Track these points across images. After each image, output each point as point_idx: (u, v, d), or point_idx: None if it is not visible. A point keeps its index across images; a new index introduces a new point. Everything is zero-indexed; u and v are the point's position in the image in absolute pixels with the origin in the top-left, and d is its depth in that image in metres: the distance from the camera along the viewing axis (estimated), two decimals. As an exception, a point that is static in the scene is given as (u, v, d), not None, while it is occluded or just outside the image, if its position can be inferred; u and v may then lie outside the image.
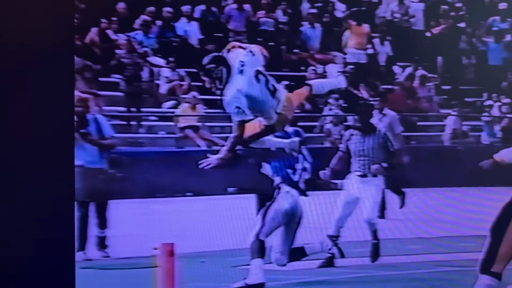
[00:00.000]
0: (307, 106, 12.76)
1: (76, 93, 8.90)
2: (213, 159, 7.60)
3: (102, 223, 9.12)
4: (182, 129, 12.41)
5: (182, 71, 13.01)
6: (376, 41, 14.38)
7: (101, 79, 12.34)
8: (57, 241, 6.13)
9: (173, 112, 12.67)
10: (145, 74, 12.83)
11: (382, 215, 9.59)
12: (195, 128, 12.39)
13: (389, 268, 8.59)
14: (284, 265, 8.10)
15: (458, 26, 14.96)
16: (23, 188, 6.05)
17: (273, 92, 7.66)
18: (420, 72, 14.04)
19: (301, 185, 8.01)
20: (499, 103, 14.10)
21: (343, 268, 8.54)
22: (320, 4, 14.75)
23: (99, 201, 9.11)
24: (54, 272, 6.13)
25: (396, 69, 14.29)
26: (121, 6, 13.28)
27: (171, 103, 12.81)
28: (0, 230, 6.03)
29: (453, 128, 13.55)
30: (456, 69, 14.60)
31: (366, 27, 14.24)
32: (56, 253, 6.13)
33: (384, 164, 8.75)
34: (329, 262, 8.60)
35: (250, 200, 9.37)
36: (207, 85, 7.66)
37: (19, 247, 6.04)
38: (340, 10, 14.79)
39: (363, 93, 13.27)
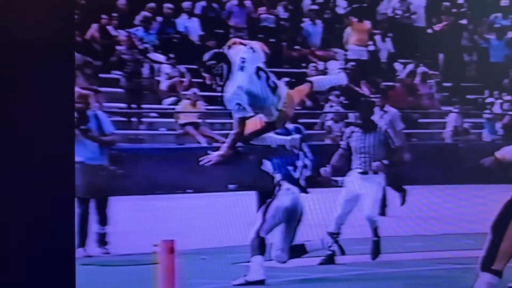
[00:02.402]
0: (308, 103, 12.76)
1: (77, 89, 8.89)
2: (213, 156, 7.58)
3: (103, 220, 9.11)
4: (183, 125, 12.41)
5: (182, 68, 13.00)
6: (378, 37, 14.37)
7: (101, 75, 12.34)
8: (57, 238, 6.13)
9: (173, 109, 12.67)
10: (145, 71, 12.82)
11: (383, 213, 9.59)
12: (195, 125, 12.38)
13: (390, 266, 8.59)
14: (285, 262, 8.09)
15: (460, 23, 14.94)
16: (23, 185, 6.04)
17: (274, 89, 7.64)
18: (422, 69, 14.03)
19: (302, 182, 8.00)
20: (500, 101, 14.09)
21: (343, 265, 8.53)
22: (321, 1, 14.74)
23: (100, 198, 9.11)
24: (54, 268, 6.12)
25: (397, 66, 14.28)
26: (121, 2, 13.27)
27: (171, 99, 12.80)
28: (0, 226, 6.03)
29: (454, 126, 13.54)
30: (458, 66, 14.59)
31: (367, 24, 14.23)
32: (56, 250, 6.12)
33: (385, 161, 8.73)
34: (329, 259, 8.59)
35: (251, 197, 9.36)
36: (208, 82, 7.65)
37: (19, 244, 6.04)
38: (341, 6, 14.78)
39: (364, 90, 13.26)
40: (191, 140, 12.30)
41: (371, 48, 14.25)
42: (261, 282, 7.72)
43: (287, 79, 9.90)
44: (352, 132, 8.89)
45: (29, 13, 6.06)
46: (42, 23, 6.07)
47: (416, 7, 14.94)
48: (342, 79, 8.86)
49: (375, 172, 8.75)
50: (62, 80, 6.17)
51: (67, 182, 6.20)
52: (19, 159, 6.03)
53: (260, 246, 7.79)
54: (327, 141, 12.72)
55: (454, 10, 14.99)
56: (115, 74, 12.61)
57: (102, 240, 9.11)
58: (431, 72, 14.12)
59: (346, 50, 14.01)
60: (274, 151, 7.92)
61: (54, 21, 6.09)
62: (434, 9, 14.99)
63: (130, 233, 9.05)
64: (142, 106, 12.72)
